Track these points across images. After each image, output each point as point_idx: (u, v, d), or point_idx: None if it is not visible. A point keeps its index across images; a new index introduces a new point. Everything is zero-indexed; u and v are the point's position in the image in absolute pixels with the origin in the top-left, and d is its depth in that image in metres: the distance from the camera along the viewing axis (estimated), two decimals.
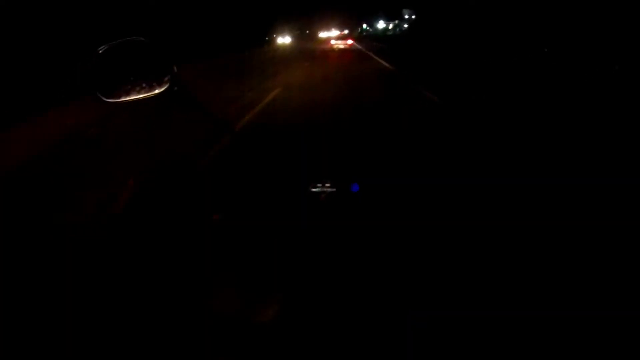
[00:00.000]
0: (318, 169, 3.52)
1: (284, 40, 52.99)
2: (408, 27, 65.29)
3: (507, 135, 5.68)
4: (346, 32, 52.26)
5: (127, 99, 1.72)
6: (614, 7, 12.99)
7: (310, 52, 31.03)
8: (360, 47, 36.23)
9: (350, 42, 36.56)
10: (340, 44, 35.14)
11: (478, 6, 26.55)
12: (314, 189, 2.02)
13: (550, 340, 1.68)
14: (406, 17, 71.70)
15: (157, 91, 1.76)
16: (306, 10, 71.39)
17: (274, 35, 51.44)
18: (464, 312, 1.85)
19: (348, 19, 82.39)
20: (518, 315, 1.79)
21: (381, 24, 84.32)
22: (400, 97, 10.09)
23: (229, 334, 1.64)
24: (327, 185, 2.02)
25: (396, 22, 75.27)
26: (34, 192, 4.30)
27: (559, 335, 1.71)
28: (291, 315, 1.70)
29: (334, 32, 65.82)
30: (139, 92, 1.74)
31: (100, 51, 1.60)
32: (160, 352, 1.70)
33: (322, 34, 72.82)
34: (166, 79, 1.78)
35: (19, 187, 4.20)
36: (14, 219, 3.46)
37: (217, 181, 3.67)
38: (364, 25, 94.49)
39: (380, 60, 21.67)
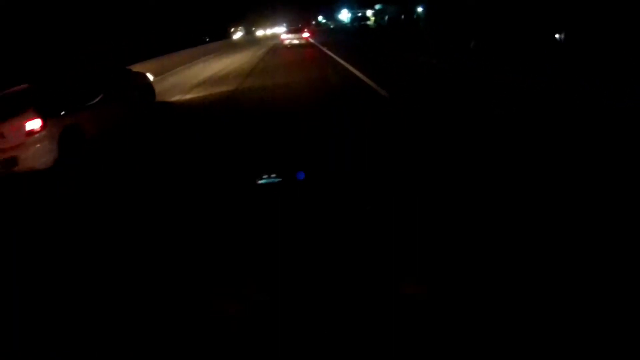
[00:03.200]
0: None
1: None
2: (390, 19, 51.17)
3: None
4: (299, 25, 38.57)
5: None
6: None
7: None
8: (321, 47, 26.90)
9: (306, 34, 30.50)
10: (294, 40, 29.59)
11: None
12: (261, 181, 2.42)
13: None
14: (376, 7, 57.63)
15: None
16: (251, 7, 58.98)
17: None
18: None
19: (301, 13, 67.10)
20: None
21: (344, 15, 69.24)
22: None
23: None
24: (274, 176, 2.48)
25: (377, 7, 58.82)
26: None
27: None
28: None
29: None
30: None
31: None
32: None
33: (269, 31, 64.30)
34: None
35: None
36: None
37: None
38: (320, 18, 79.73)
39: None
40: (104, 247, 3.20)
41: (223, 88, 12.68)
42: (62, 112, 7.24)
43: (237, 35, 53.77)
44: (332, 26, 69.06)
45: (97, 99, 8.23)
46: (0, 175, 6.53)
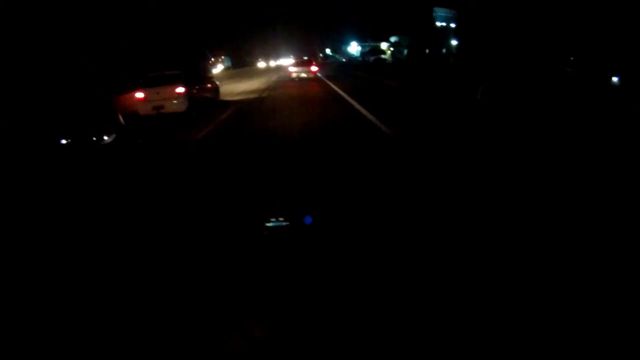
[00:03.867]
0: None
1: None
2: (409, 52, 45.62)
3: None
4: (305, 58, 34.79)
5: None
6: None
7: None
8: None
9: (314, 68, 29.23)
10: (302, 73, 28.62)
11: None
12: (269, 224, 2.37)
13: None
14: (392, 40, 52.84)
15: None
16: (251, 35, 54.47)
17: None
18: None
19: (307, 44, 62.85)
20: None
21: (353, 48, 64.73)
22: None
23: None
24: (281, 219, 2.42)
25: (393, 41, 52.61)
26: None
27: None
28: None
29: (291, 60, 51.11)
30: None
31: None
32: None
33: (274, 63, 61.94)
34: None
35: None
36: None
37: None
38: (328, 51, 75.60)
39: None
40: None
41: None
42: (191, 86, 15.11)
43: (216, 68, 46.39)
44: (343, 60, 63.02)
45: (202, 84, 17.31)
46: (152, 115, 14.04)
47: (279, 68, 49.61)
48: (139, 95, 14.17)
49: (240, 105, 16.81)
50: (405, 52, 45.70)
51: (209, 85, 18.34)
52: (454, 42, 40.20)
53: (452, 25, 41.96)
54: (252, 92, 22.24)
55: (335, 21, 64.07)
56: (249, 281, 2.28)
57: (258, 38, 59.11)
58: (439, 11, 43.78)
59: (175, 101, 14.15)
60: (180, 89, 14.25)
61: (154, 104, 14.08)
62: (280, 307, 2.08)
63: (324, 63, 46.59)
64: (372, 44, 54.95)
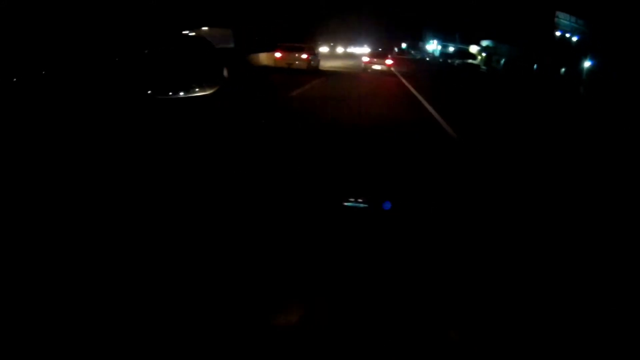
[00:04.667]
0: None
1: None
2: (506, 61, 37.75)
3: None
4: (380, 50, 34.31)
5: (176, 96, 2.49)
6: None
7: None
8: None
9: (389, 62, 27.73)
10: (376, 65, 27.03)
11: None
12: (347, 204, 2.35)
13: None
14: (483, 44, 45.54)
15: (207, 92, 2.58)
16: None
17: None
18: None
19: (385, 35, 57.94)
20: None
21: (433, 46, 59.04)
22: None
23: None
24: (360, 201, 2.37)
25: (485, 44, 44.23)
26: None
27: None
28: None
29: (365, 49, 48.17)
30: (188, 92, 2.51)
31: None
32: None
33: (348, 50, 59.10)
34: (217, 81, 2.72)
35: None
36: None
37: None
38: (403, 45, 70.43)
39: None
40: None
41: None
42: (308, 54, 24.99)
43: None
44: (425, 57, 56.92)
45: (313, 56, 26.42)
46: (284, 67, 22.93)
47: (350, 55, 47.02)
48: (278, 55, 24.07)
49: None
50: (503, 61, 37.54)
51: (316, 57, 26.69)
52: (585, 63, 27.78)
53: (574, 38, 32.97)
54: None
55: (418, 13, 58.70)
56: (322, 261, 2.10)
57: (331, 23, 54.11)
58: (563, 17, 33.14)
59: (299, 62, 23.75)
60: (305, 55, 24.27)
61: (287, 61, 23.58)
62: (353, 290, 1.90)
63: (401, 59, 41.09)
64: (457, 45, 48.48)
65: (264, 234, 2.25)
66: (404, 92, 18.17)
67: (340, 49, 58.24)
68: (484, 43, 44.65)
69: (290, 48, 23.93)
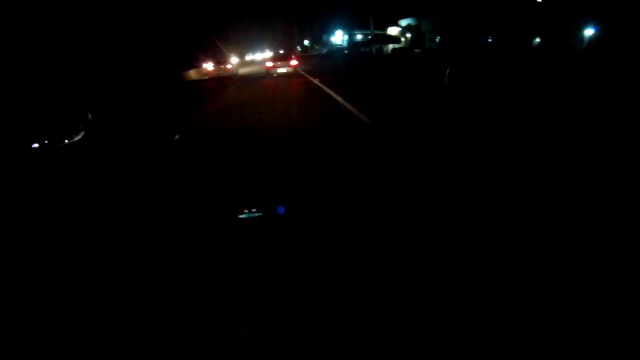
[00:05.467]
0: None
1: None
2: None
3: None
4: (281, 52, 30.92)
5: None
6: None
7: None
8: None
9: (294, 62, 25.91)
10: (280, 68, 25.50)
11: None
12: (241, 216, 2.38)
13: None
14: (403, 23, 38.46)
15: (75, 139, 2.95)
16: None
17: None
18: None
19: (285, 36, 51.01)
20: None
21: (338, 37, 52.21)
22: None
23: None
24: (254, 210, 2.40)
25: (407, 23, 36.71)
26: None
27: None
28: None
29: (267, 54, 42.45)
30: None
31: None
32: None
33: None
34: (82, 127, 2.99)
35: None
36: None
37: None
38: (306, 42, 63.53)
39: None
40: None
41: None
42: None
43: None
44: (333, 50, 49.30)
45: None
46: (227, 75, 26.04)
47: (252, 63, 42.63)
48: (209, 68, 27.10)
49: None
50: (439, 39, 29.31)
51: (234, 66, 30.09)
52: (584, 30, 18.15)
53: None
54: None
55: (314, 8, 51.86)
56: (226, 275, 2.21)
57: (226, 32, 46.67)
58: None
59: (224, 71, 26.84)
60: (229, 66, 28.18)
61: (216, 72, 26.67)
62: (259, 301, 1.99)
63: (303, 57, 36.04)
64: (370, 31, 41.22)
65: (163, 260, 2.32)
66: (312, 89, 16.99)
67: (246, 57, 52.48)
68: (404, 22, 37.41)
69: (216, 62, 28.44)
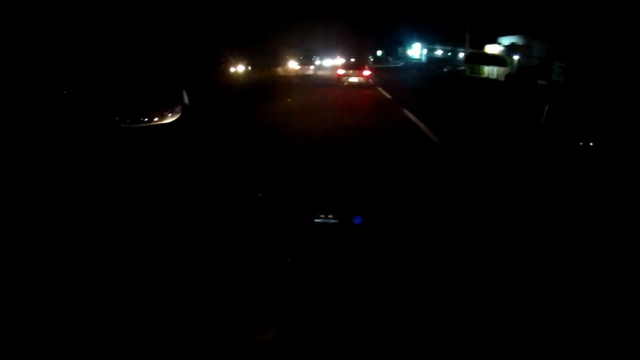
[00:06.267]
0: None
1: None
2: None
3: None
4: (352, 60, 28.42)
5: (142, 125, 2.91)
6: None
7: None
8: None
9: (367, 72, 23.45)
10: (353, 78, 23.47)
11: None
12: (317, 220, 2.28)
13: None
14: (504, 42, 30.70)
15: (169, 120, 2.95)
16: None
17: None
18: None
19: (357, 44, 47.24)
20: None
21: (416, 51, 47.34)
22: None
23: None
24: (330, 217, 2.30)
25: (508, 44, 29.23)
26: None
27: None
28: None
29: (338, 60, 40.84)
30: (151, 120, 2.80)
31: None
32: None
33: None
34: (177, 108, 2.98)
35: None
36: None
37: None
38: (379, 53, 58.96)
39: None
40: None
41: None
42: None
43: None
44: (399, 64, 44.99)
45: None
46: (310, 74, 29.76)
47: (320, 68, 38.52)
48: (297, 67, 31.86)
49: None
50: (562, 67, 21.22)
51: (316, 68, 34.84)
52: None
53: None
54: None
55: (393, 15, 47.07)
56: (295, 280, 2.09)
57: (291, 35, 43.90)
58: None
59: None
60: (312, 67, 32.44)
61: (302, 71, 31.20)
62: (324, 306, 1.85)
63: (377, 68, 31.35)
64: (458, 49, 35.93)
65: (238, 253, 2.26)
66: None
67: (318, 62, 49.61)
68: (506, 41, 29.80)
69: (301, 64, 32.04)
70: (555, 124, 7.94)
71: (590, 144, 6.94)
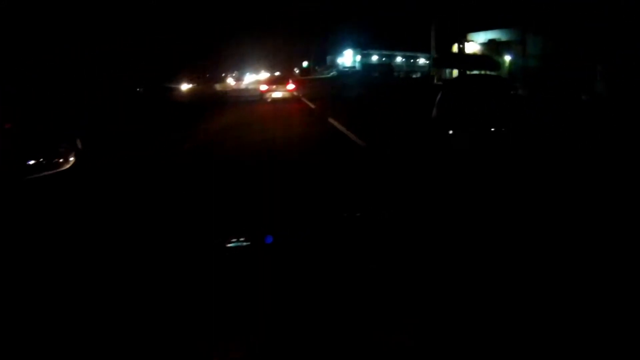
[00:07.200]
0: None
1: None
2: None
3: None
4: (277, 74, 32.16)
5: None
6: None
7: None
8: None
9: (291, 87, 25.01)
10: (277, 93, 24.54)
11: None
12: (229, 245, 2.31)
13: None
14: (482, 40, 25.49)
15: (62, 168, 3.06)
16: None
17: None
18: None
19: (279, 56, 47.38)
20: None
21: (348, 58, 43.03)
22: None
23: None
24: (242, 239, 2.36)
25: (488, 39, 23.59)
26: None
27: None
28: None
29: (263, 75, 43.38)
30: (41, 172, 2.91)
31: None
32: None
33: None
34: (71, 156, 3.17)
35: None
36: None
37: None
38: (305, 64, 56.29)
39: None
40: None
41: None
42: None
43: None
44: (331, 74, 40.93)
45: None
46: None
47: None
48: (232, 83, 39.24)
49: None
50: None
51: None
52: None
53: None
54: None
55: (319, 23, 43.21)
56: (213, 304, 2.10)
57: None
58: None
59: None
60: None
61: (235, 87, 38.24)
62: (246, 329, 1.95)
63: (302, 80, 32.69)
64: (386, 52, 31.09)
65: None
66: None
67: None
68: (482, 37, 24.20)
69: (236, 79, 35.64)
70: (444, 118, 8.95)
71: (489, 132, 7.94)
